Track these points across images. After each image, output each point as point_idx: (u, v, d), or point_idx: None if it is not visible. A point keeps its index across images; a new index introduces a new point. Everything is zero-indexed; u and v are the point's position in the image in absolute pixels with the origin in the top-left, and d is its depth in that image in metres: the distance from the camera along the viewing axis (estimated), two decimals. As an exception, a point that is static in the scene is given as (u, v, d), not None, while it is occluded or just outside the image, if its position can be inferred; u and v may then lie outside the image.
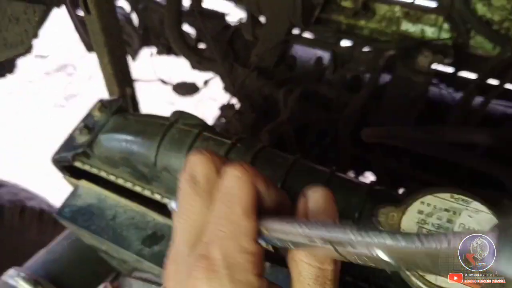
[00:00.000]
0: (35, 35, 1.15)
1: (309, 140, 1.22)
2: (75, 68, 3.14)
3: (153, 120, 0.68)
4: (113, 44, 0.95)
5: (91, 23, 0.91)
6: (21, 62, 1.28)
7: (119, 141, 0.68)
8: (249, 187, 0.33)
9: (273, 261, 0.67)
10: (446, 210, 0.51)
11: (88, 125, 0.72)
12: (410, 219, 0.50)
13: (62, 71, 3.13)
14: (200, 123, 0.65)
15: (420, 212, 0.51)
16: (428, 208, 0.51)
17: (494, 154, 0.86)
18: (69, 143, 0.75)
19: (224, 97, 1.32)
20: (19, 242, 1.25)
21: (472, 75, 1.08)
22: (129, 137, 0.67)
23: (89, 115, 0.74)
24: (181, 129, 0.64)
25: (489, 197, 0.73)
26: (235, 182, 0.32)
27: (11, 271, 0.80)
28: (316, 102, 1.21)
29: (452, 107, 1.02)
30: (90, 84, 2.99)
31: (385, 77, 1.10)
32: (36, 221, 1.28)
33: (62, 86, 3.00)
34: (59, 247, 0.87)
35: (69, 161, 0.76)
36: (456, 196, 0.51)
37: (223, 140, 0.63)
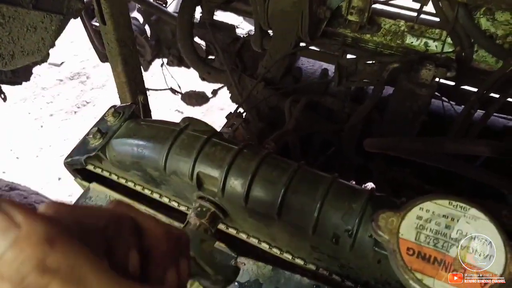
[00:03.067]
0: (52, 44, 1.18)
1: (313, 149, 1.24)
2: (88, 77, 3.21)
3: (164, 125, 0.70)
4: (127, 54, 0.99)
5: (106, 33, 0.95)
6: (35, 70, 1.32)
7: (130, 146, 0.71)
8: None
9: (275, 263, 0.69)
10: (444, 216, 0.52)
11: (101, 130, 0.75)
12: (409, 224, 0.52)
13: (75, 79, 3.20)
14: (209, 129, 0.68)
15: (419, 217, 0.52)
16: (427, 214, 0.53)
17: (493, 166, 0.88)
18: (82, 147, 0.78)
19: (232, 107, 1.35)
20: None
21: (474, 89, 1.10)
22: (140, 142, 0.70)
23: (102, 120, 0.77)
24: (191, 135, 0.67)
25: (488, 208, 0.75)
26: None
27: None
28: (321, 113, 1.24)
29: (454, 120, 1.04)
30: (103, 93, 3.04)
31: (389, 89, 1.13)
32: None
33: (75, 94, 3.06)
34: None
35: (81, 164, 0.79)
36: (454, 203, 0.53)
37: (231, 146, 0.65)
